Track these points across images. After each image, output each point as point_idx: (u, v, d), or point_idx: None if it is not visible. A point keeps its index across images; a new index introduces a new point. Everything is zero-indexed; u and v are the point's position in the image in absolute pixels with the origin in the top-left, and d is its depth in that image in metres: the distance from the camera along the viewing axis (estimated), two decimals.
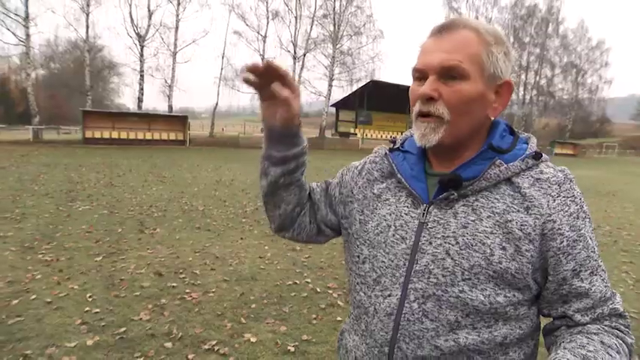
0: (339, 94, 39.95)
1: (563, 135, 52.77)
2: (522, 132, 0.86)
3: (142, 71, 31.02)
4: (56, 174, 11.30)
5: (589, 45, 52.38)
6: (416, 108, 0.80)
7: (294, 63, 37.25)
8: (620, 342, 0.72)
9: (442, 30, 0.78)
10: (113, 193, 8.65)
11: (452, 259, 0.75)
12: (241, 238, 5.71)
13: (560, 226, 0.74)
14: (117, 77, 48.11)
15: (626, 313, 0.79)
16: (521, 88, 50.10)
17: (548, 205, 0.74)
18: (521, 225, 0.74)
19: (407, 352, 0.77)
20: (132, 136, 26.10)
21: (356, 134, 36.83)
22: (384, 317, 0.80)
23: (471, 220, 0.76)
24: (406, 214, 0.82)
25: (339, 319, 3.39)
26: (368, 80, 36.36)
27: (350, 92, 37.71)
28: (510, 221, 0.74)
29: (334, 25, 36.75)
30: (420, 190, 0.82)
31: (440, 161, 0.85)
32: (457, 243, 0.75)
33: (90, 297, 3.59)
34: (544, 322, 0.84)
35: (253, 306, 3.57)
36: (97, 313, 3.30)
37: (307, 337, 3.07)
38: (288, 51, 37.55)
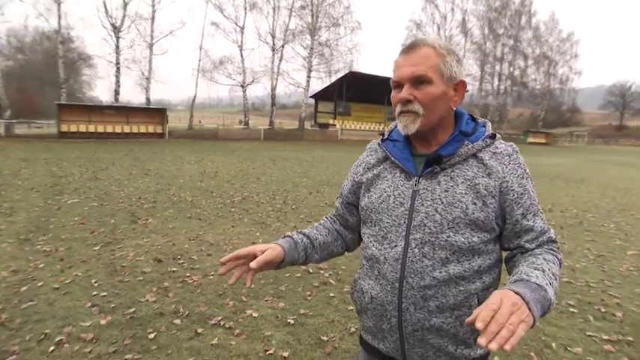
0: (317, 85, 40.12)
1: (536, 124, 54.34)
2: (479, 118, 1.17)
3: (118, 63, 30.44)
4: (37, 168, 11.21)
5: (560, 37, 53.93)
6: (398, 109, 1.09)
7: (273, 54, 37.15)
8: (554, 257, 1.04)
9: (409, 49, 1.07)
10: (100, 186, 8.71)
11: (440, 214, 1.04)
12: (232, 226, 5.94)
13: (512, 185, 1.05)
14: (89, 69, 46.77)
15: (557, 238, 1.11)
16: (496, 79, 51.31)
17: (502, 170, 1.05)
18: (486, 186, 1.04)
19: (412, 284, 1.06)
20: (109, 129, 25.70)
21: (335, 125, 37.11)
22: (393, 262, 1.08)
23: (450, 186, 1.05)
24: (402, 186, 1.11)
25: (331, 294, 3.69)
26: (346, 71, 36.56)
27: (329, 83, 37.85)
28: (478, 184, 1.04)
29: (312, 17, 36.74)
30: (410, 167, 1.11)
31: (421, 145, 1.14)
32: (442, 203, 1.04)
33: (95, 282, 3.78)
34: (504, 256, 1.16)
35: (252, 286, 3.82)
36: (104, 296, 3.51)
37: (304, 311, 3.36)
38: (267, 42, 37.39)
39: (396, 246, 1.08)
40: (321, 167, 14.13)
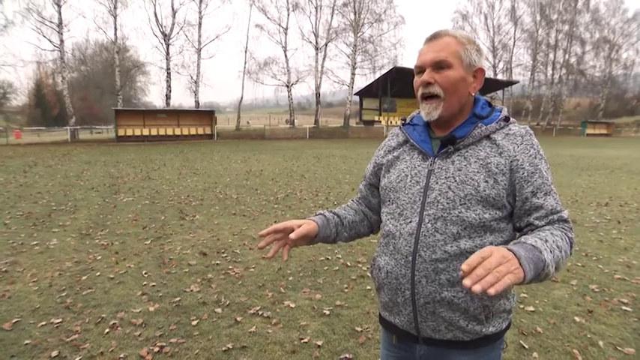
0: (362, 82, 40.03)
1: (595, 114, 50.86)
2: (497, 105, 1.20)
3: (168, 69, 31.95)
4: (97, 170, 12.06)
5: (624, 17, 49.88)
6: (419, 92, 1.15)
7: (317, 53, 37.41)
8: (563, 234, 1.04)
9: (432, 38, 1.15)
10: (152, 186, 9.23)
11: (452, 191, 1.09)
12: (275, 222, 6.09)
13: (522, 163, 1.08)
14: (143, 76, 49.50)
15: (570, 219, 1.10)
16: (550, 68, 48.47)
17: (514, 149, 1.09)
18: (497, 165, 1.08)
19: (425, 257, 1.10)
20: (162, 132, 27.05)
21: (380, 122, 36.77)
22: (407, 237, 1.13)
23: (464, 165, 1.10)
24: (419, 166, 1.17)
25: (368, 287, 3.72)
26: (391, 67, 36.09)
27: (373, 80, 37.54)
28: (490, 163, 1.08)
29: (355, 14, 36.63)
30: (427, 149, 1.17)
31: (440, 129, 1.19)
32: (455, 181, 1.09)
33: (145, 273, 4.05)
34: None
35: (290, 279, 3.94)
36: (153, 286, 3.75)
37: (340, 302, 3.42)
38: (310, 42, 37.73)
39: (410, 222, 1.13)
40: (365, 164, 14.09)
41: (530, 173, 1.07)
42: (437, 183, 1.11)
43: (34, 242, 5.02)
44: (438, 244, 1.09)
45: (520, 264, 0.82)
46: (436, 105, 1.12)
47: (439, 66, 1.10)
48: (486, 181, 1.07)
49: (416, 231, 1.11)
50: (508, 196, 1.09)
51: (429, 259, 1.09)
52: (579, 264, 4.30)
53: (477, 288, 0.74)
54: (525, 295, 3.52)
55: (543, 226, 1.06)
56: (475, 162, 1.09)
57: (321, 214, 1.31)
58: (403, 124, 1.28)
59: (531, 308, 3.29)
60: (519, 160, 1.07)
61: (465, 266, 0.76)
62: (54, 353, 2.64)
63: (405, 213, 1.15)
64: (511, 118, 1.14)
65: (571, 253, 1.05)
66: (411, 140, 1.21)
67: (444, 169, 1.11)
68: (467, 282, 0.75)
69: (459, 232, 1.08)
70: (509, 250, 0.84)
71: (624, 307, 3.35)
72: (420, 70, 1.15)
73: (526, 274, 0.82)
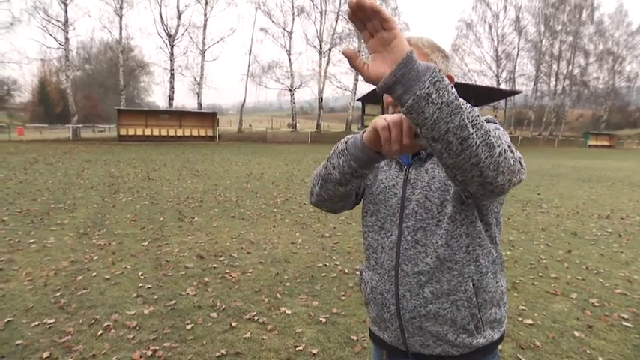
0: (365, 88, 40.02)
1: (598, 126, 50.86)
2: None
3: (172, 70, 32.03)
4: (98, 169, 12.04)
5: (628, 30, 49.96)
6: (390, 111, 1.07)
7: (320, 58, 37.51)
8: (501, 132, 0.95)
9: None
10: (151, 186, 9.21)
11: (430, 201, 1.07)
12: (274, 226, 6.07)
13: None
14: (147, 76, 49.60)
15: (521, 158, 0.95)
16: (553, 79, 48.53)
17: None
18: None
19: (407, 270, 1.09)
20: (164, 133, 27.06)
21: None
22: (389, 250, 1.12)
23: (437, 172, 1.07)
24: (396, 177, 1.15)
25: None
26: None
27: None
28: None
29: None
30: (403, 158, 1.15)
31: None
32: (431, 189, 1.07)
33: (141, 275, 4.02)
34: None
35: (287, 284, 3.91)
36: (149, 288, 3.72)
37: (337, 310, 3.38)
38: (314, 46, 37.82)
39: (391, 235, 1.12)
40: None
41: None
42: (413, 194, 1.10)
43: (31, 240, 5.00)
44: (420, 256, 1.07)
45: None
46: None
47: None
48: None
49: (396, 244, 1.10)
50: None
51: (412, 272, 1.08)
52: (579, 277, 4.26)
53: None
54: (524, 308, 3.48)
55: None
56: None
57: None
58: None
59: (530, 321, 3.25)
60: None
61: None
62: (45, 354, 2.61)
63: (386, 226, 1.14)
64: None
65: (501, 156, 0.81)
66: None
67: (419, 179, 1.10)
68: None
69: (438, 241, 1.06)
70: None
71: (625, 323, 3.30)
72: None
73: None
